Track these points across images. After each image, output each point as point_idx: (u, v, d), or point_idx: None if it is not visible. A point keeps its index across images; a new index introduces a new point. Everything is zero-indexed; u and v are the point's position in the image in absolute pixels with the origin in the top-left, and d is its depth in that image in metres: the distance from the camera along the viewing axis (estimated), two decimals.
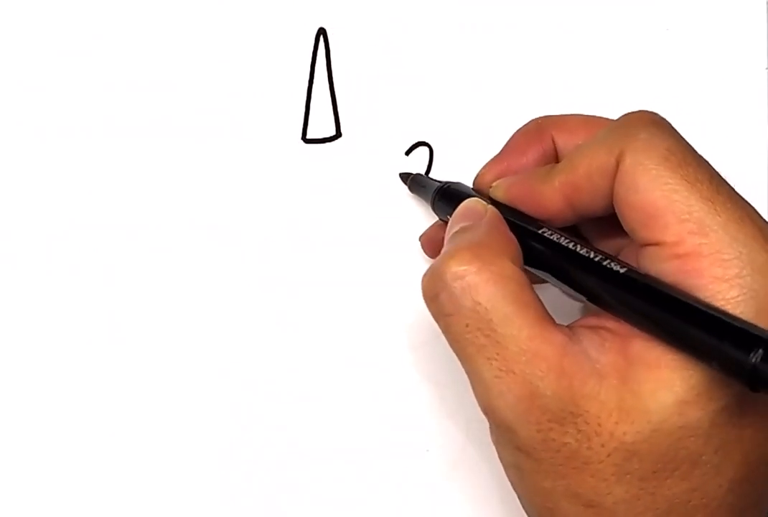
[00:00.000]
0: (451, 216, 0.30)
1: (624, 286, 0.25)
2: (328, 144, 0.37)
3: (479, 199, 0.30)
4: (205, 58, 0.37)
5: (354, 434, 0.35)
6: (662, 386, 0.24)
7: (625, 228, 0.26)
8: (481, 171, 0.32)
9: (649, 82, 0.37)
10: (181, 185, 0.37)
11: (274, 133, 0.37)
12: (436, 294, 0.25)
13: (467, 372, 0.25)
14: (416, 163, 0.37)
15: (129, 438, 0.35)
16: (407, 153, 0.37)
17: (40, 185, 0.36)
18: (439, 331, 0.35)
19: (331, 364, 0.36)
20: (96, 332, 0.36)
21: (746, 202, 0.25)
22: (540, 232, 0.28)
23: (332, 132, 0.37)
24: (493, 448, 0.35)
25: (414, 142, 0.37)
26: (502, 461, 0.27)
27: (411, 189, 0.36)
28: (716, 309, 0.23)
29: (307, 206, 0.36)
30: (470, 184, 0.33)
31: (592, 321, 0.26)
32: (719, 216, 0.24)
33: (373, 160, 0.37)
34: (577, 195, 0.27)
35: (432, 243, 0.35)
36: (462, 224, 0.28)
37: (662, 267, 0.24)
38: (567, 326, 0.26)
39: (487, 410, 0.25)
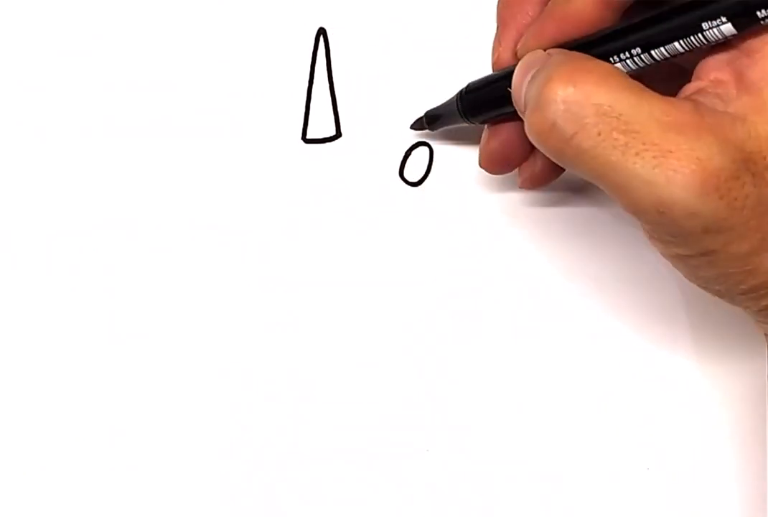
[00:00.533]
0: (487, 118, 0.29)
1: None
2: (328, 144, 0.37)
3: (535, 50, 0.28)
4: (205, 58, 0.37)
5: (354, 434, 0.35)
6: None
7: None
8: (494, 55, 0.31)
9: None
10: (181, 185, 0.37)
11: (274, 133, 0.37)
12: (551, 123, 0.24)
13: (613, 187, 0.24)
14: (416, 163, 0.37)
15: (129, 438, 0.35)
16: (407, 153, 0.37)
17: (40, 185, 0.36)
18: (441, 332, 0.36)
19: (332, 364, 0.36)
20: (97, 331, 0.36)
21: None
22: (601, 35, 0.27)
23: (332, 132, 0.37)
24: (494, 448, 0.35)
25: (414, 142, 0.37)
26: (681, 262, 0.26)
27: (432, 127, 0.35)
28: None
29: (307, 206, 0.36)
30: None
31: (694, 86, 0.25)
32: None
33: (373, 160, 0.37)
34: None
35: (491, 152, 0.32)
36: (532, 71, 0.26)
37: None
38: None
39: (661, 207, 0.24)
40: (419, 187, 0.37)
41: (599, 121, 0.24)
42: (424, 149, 0.37)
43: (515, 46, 0.30)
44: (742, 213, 0.24)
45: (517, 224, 0.36)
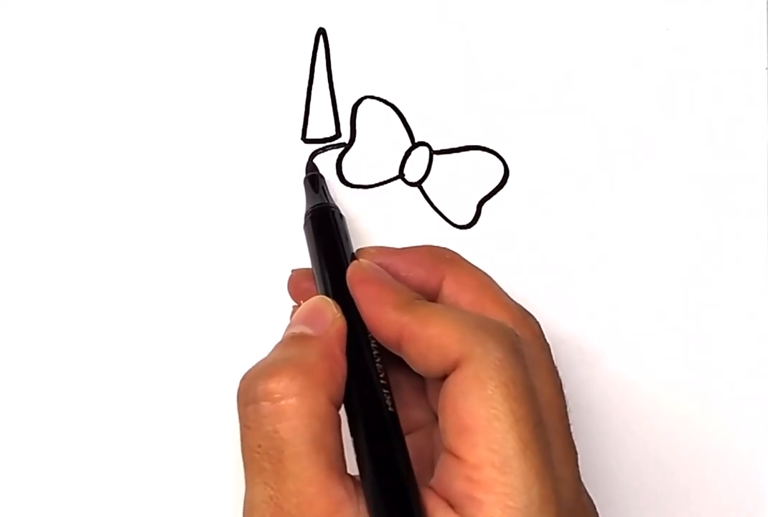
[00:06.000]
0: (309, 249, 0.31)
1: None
2: (328, 144, 0.37)
3: (331, 303, 0.28)
4: (205, 58, 0.37)
5: None
6: None
7: (440, 424, 0.26)
8: (371, 249, 0.31)
9: (649, 82, 0.37)
10: (180, 185, 0.37)
11: (274, 133, 0.37)
12: (246, 402, 0.26)
13: (245, 482, 0.25)
14: (416, 163, 0.37)
15: (129, 438, 0.35)
16: (407, 153, 0.37)
17: (40, 185, 0.36)
18: None
19: None
20: (96, 331, 0.36)
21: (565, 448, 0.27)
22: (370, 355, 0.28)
23: (332, 132, 0.37)
24: None
25: (414, 142, 0.37)
26: None
27: (304, 184, 0.35)
28: None
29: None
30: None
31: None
32: (525, 463, 0.24)
33: (373, 160, 0.37)
34: (412, 348, 0.27)
35: (297, 288, 0.33)
36: (302, 328, 0.28)
37: (453, 482, 0.24)
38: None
39: None
40: (419, 187, 0.37)
41: (267, 440, 0.25)
42: (424, 149, 0.37)
43: (378, 260, 0.30)
44: None
45: (517, 224, 0.36)
